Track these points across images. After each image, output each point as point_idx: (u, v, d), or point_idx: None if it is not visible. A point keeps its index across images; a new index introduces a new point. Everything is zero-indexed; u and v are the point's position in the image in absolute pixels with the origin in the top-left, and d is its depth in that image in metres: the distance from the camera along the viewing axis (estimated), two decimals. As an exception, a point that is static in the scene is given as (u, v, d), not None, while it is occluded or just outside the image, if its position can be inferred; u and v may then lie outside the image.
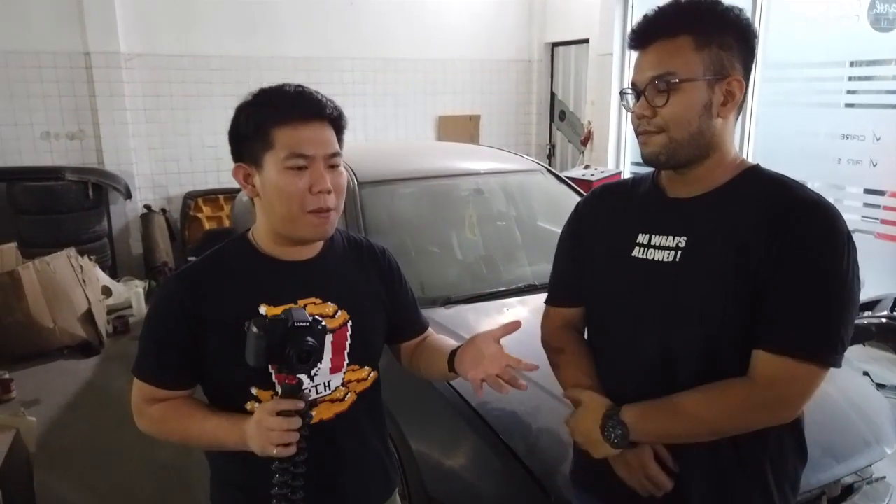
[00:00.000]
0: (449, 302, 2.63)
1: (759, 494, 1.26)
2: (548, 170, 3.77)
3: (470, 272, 3.05)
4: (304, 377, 1.18)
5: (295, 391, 1.13)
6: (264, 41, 6.29)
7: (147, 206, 6.05)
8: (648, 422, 1.23)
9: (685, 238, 1.22)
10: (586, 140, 6.93)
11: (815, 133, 4.91)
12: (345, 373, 1.31)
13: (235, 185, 5.26)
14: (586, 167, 6.35)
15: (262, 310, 1.22)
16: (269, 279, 1.26)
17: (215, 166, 6.33)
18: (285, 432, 1.10)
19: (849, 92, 4.85)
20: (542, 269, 3.01)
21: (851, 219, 4.97)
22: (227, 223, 6.17)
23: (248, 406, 1.24)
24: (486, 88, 7.49)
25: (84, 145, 5.74)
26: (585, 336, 1.48)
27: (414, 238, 3.13)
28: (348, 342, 1.30)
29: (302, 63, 6.43)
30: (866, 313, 3.80)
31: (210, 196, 6.27)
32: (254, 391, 1.24)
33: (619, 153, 6.74)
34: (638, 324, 1.28)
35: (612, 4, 6.42)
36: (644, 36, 1.21)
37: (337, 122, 1.24)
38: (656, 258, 1.25)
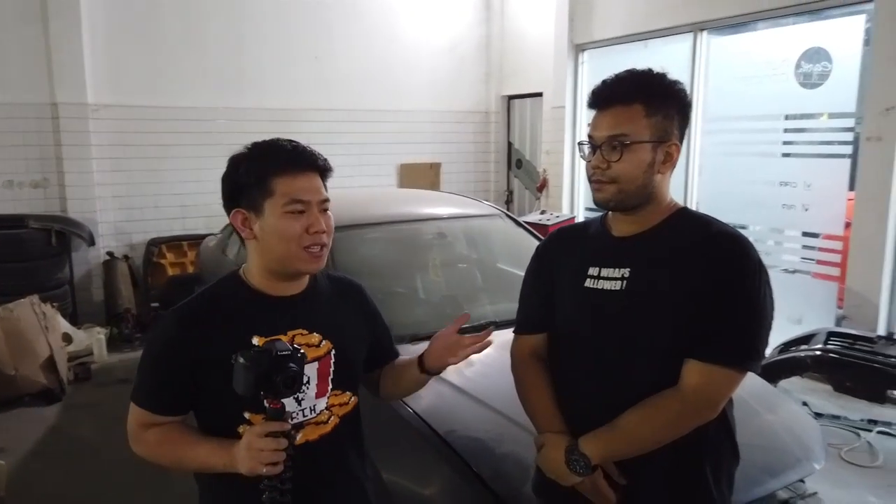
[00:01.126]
0: (416, 338, 2.77)
1: (701, 492, 1.45)
2: (506, 214, 3.99)
3: (435, 311, 3.21)
4: (291, 401, 1.32)
5: (280, 414, 1.27)
6: (232, 93, 6.48)
7: (109, 253, 6.07)
8: (602, 448, 1.42)
9: (629, 269, 1.44)
10: (542, 187, 7.25)
11: (754, 181, 5.27)
12: (328, 397, 1.45)
13: (200, 231, 5.42)
14: (542, 212, 6.66)
15: (255, 341, 1.36)
16: (261, 313, 1.41)
17: (181, 213, 6.42)
18: (273, 452, 1.23)
19: (785, 143, 5.25)
20: (503, 307, 3.20)
21: (791, 259, 5.32)
22: (190, 269, 6.22)
23: (240, 430, 1.35)
24: (447, 138, 7.79)
25: (48, 193, 5.78)
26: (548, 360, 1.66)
27: (382, 280, 3.28)
28: (332, 369, 1.45)
29: (269, 114, 6.61)
30: (802, 347, 4.08)
31: (174, 243, 6.33)
32: (246, 416, 1.36)
33: (573, 199, 7.06)
34: (592, 345, 1.48)
35: (563, 62, 6.83)
36: (604, 99, 1.44)
37: (326, 171, 1.42)
38: (605, 287, 1.46)
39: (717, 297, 1.34)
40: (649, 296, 1.40)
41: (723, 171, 5.60)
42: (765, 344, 1.38)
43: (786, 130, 5.24)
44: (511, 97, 7.97)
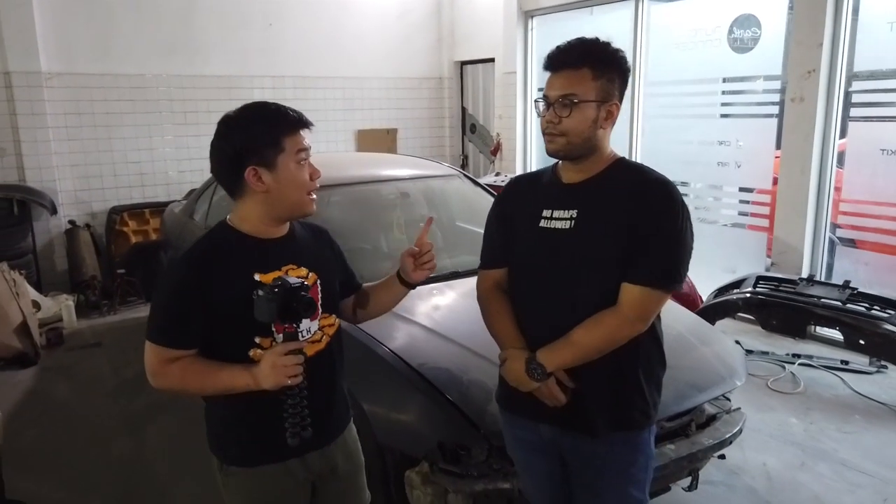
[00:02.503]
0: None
1: (637, 394, 1.74)
2: (464, 175, 4.25)
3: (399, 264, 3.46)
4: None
5: (294, 336, 1.52)
6: (185, 60, 6.50)
7: (71, 222, 6.10)
8: (555, 358, 1.68)
9: (576, 211, 1.69)
10: (496, 150, 7.52)
11: (690, 141, 5.64)
12: (319, 319, 1.70)
13: (161, 198, 5.60)
14: (497, 174, 6.94)
15: (257, 276, 1.58)
16: (258, 252, 1.63)
17: (139, 181, 6.47)
18: (294, 366, 1.49)
19: (723, 104, 5.58)
20: (463, 260, 3.50)
21: (729, 214, 5.72)
22: (153, 236, 6.30)
23: (252, 353, 1.58)
24: (402, 104, 7.96)
25: (5, 163, 5.76)
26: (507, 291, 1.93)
27: (348, 239, 3.50)
28: (320, 296, 1.70)
29: (223, 81, 6.67)
30: (734, 291, 4.50)
31: (136, 210, 6.39)
32: (257, 340, 1.59)
33: (526, 160, 7.36)
34: (547, 276, 1.75)
35: (513, 28, 7.05)
36: (556, 62, 1.68)
37: (310, 127, 1.66)
38: (556, 227, 1.71)
39: (647, 231, 1.61)
40: (593, 232, 1.66)
41: (663, 132, 5.95)
42: (685, 269, 1.67)
43: (723, 93, 5.57)
44: (464, 63, 8.16)
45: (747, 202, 5.52)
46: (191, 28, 6.49)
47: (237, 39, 6.75)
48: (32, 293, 5.24)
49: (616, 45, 1.70)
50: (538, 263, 1.76)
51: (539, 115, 1.72)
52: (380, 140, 7.72)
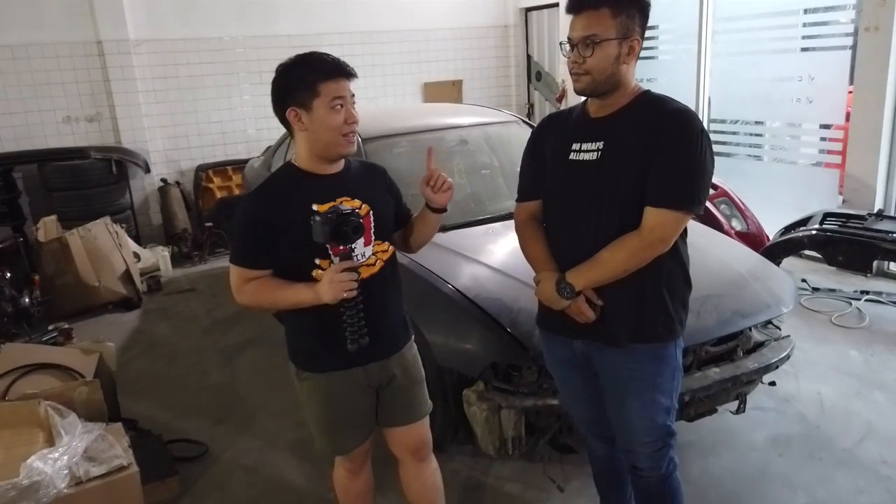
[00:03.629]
0: (445, 228, 3.24)
1: (661, 310, 1.87)
2: (523, 120, 4.36)
3: (459, 207, 3.66)
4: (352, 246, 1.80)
5: (349, 256, 1.77)
6: (258, 22, 6.80)
7: (163, 180, 6.61)
8: (583, 277, 1.81)
9: (602, 143, 1.80)
10: (561, 97, 7.51)
11: (763, 78, 5.48)
12: (373, 245, 1.92)
13: (241, 156, 6.02)
14: (562, 121, 6.95)
15: (315, 207, 1.81)
16: (315, 186, 1.86)
17: (221, 140, 6.89)
18: (350, 281, 1.72)
19: (804, 37, 5.37)
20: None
21: (808, 152, 5.54)
22: (236, 191, 6.74)
23: (314, 274, 1.83)
24: (467, 55, 8.03)
25: (102, 126, 6.29)
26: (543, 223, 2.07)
27: (411, 185, 3.69)
28: (372, 225, 1.91)
29: (294, 40, 6.91)
30: (801, 228, 4.46)
31: (219, 168, 6.84)
32: (317, 261, 1.83)
33: (591, 107, 7.31)
34: (576, 204, 1.88)
35: (577, -31, 6.94)
36: (576, 4, 1.77)
37: (353, 76, 1.84)
38: (584, 158, 1.83)
39: (665, 156, 1.70)
40: (617, 162, 1.76)
41: (734, 70, 5.80)
42: (705, 193, 1.76)
43: (804, 25, 5.33)
44: (528, 9, 8.11)
45: (824, 139, 5.35)
46: (261, -11, 6.77)
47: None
48: (132, 245, 5.76)
49: None
50: (568, 193, 1.88)
51: (565, 56, 1.82)
52: (445, 91, 7.85)
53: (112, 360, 3.38)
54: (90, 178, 5.86)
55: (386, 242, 1.97)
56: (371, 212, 1.90)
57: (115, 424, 2.72)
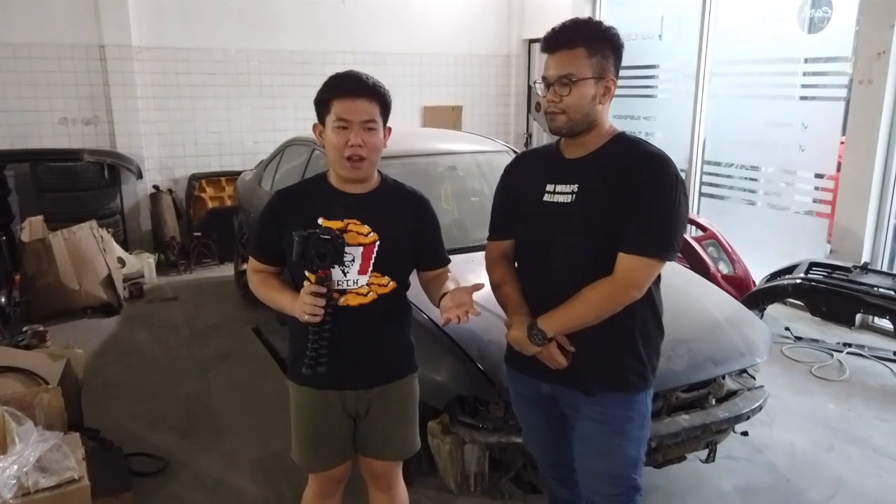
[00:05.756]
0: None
1: (634, 358, 1.82)
2: (514, 151, 4.36)
3: (444, 234, 3.64)
4: (339, 272, 1.78)
5: (322, 280, 1.73)
6: (262, 36, 6.85)
7: (155, 187, 6.60)
8: (555, 324, 1.77)
9: (577, 185, 1.77)
10: (559, 129, 7.53)
11: (757, 122, 5.51)
12: (370, 276, 1.86)
13: (236, 167, 6.03)
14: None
15: (320, 220, 1.80)
16: (329, 202, 1.85)
17: (217, 150, 6.90)
18: (312, 306, 1.69)
19: (803, 86, 5.40)
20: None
21: (802, 200, 5.53)
22: (228, 202, 6.73)
23: (305, 284, 1.78)
24: (468, 81, 8.09)
25: (98, 130, 6.29)
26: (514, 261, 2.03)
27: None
28: (374, 255, 1.84)
29: (297, 56, 6.99)
30: (786, 276, 4.45)
31: (213, 178, 6.84)
32: (306, 273, 1.79)
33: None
34: (550, 246, 1.83)
35: (582, 5, 7.03)
36: (552, 44, 1.76)
37: (380, 97, 1.79)
38: (559, 200, 1.80)
39: (640, 202, 1.68)
40: (592, 205, 1.74)
41: (727, 113, 5.83)
42: (679, 240, 1.73)
43: (804, 74, 5.38)
44: (531, 41, 8.18)
45: (818, 188, 5.34)
46: (268, 4, 6.82)
47: (311, 15, 7.03)
48: (118, 250, 5.74)
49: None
50: (542, 235, 1.85)
51: (541, 95, 1.80)
52: (445, 116, 7.89)
53: (80, 366, 3.34)
54: (81, 181, 5.84)
55: (387, 277, 1.88)
56: (378, 242, 1.84)
57: (72, 434, 2.66)
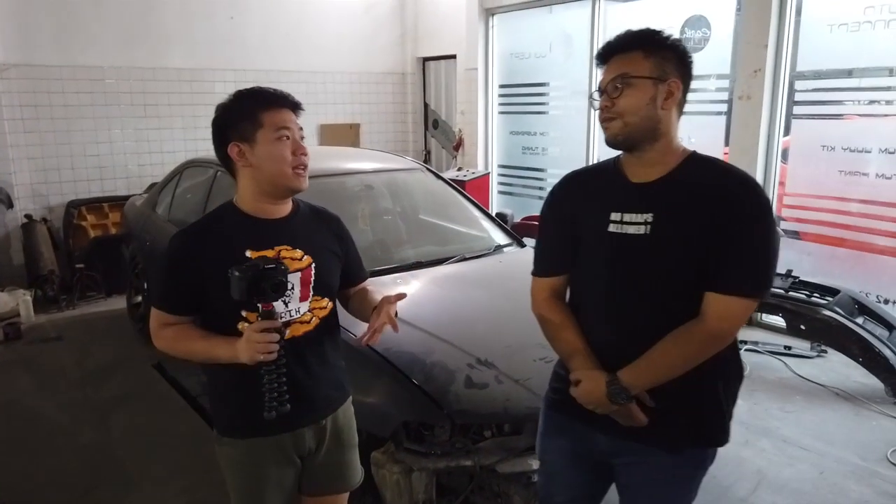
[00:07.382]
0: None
1: (714, 408, 1.60)
2: (427, 169, 4.35)
3: (365, 255, 3.54)
4: (280, 304, 1.64)
5: (271, 315, 1.59)
6: (146, 52, 6.44)
7: (28, 216, 6.01)
8: (640, 380, 1.53)
9: (651, 214, 1.52)
10: (458, 146, 7.63)
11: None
12: (310, 301, 1.76)
13: (121, 192, 5.62)
14: (459, 169, 7.08)
15: (248, 254, 1.66)
16: (254, 231, 1.70)
17: (98, 175, 6.39)
18: (268, 343, 1.55)
19: (688, 102, 5.73)
20: (426, 250, 3.62)
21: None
22: (113, 230, 6.24)
23: (240, 326, 1.65)
24: (365, 99, 8.02)
25: (-42, 155, 5.66)
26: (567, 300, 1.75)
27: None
28: (312, 279, 1.75)
29: (185, 74, 6.64)
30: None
31: (94, 204, 6.32)
32: (244, 314, 1.66)
33: (487, 156, 7.49)
34: (619, 285, 1.58)
35: (475, 25, 7.17)
36: (607, 53, 1.56)
37: (297, 108, 1.73)
38: (629, 232, 1.54)
39: (736, 236, 1.45)
40: (673, 238, 1.50)
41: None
42: (774, 275, 1.55)
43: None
44: (426, 59, 8.25)
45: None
46: (151, 19, 6.43)
47: (199, 31, 6.71)
48: (-11, 287, 5.16)
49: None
50: (609, 272, 1.60)
51: (595, 108, 1.60)
52: (343, 134, 7.77)
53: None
54: (-60, 213, 5.22)
55: (326, 299, 1.81)
56: (313, 264, 1.75)
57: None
